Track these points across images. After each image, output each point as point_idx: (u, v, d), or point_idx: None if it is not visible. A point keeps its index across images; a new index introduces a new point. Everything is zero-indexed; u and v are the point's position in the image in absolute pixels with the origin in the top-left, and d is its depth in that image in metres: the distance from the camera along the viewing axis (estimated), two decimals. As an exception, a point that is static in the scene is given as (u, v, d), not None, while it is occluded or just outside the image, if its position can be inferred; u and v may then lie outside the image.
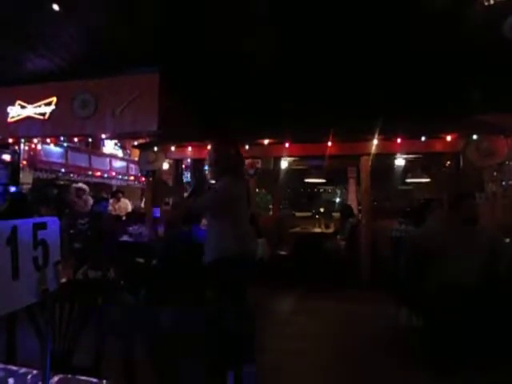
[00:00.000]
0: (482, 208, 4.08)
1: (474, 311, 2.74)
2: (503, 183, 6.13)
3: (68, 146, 9.74)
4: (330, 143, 5.91)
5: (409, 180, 7.69)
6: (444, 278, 2.99)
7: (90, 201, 7.91)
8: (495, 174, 5.88)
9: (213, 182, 2.98)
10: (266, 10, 5.19)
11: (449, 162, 6.91)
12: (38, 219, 0.91)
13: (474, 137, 5.52)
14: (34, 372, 1.26)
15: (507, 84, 5.67)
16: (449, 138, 5.69)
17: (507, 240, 4.06)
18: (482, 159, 5.49)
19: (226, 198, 2.72)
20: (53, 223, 0.96)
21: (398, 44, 5.60)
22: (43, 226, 0.90)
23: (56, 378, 1.21)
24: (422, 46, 5.60)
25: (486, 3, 4.03)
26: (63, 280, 1.48)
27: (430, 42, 5.50)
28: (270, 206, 8.96)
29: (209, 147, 3.18)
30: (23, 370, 1.28)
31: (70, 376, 1.27)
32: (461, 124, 5.67)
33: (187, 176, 9.22)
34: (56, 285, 0.95)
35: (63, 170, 9.89)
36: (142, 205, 9.62)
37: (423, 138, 5.81)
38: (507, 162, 6.45)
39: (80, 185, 8.33)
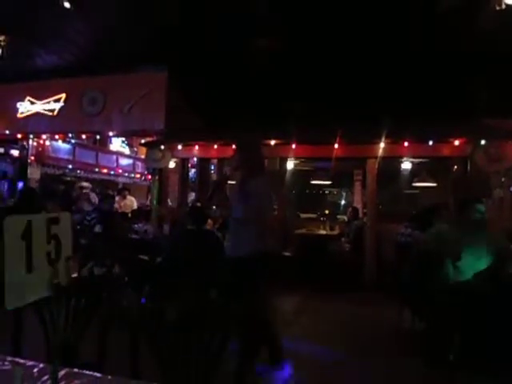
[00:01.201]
0: (489, 213, 4.05)
1: (479, 315, 2.72)
2: (511, 189, 6.08)
3: (76, 143, 9.82)
4: (336, 145, 5.90)
5: (415, 184, 7.64)
6: (449, 283, 2.98)
7: (95, 198, 7.96)
8: (503, 179, 5.84)
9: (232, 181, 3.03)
10: (274, 10, 5.19)
11: (456, 167, 6.86)
12: (51, 214, 0.92)
13: (482, 142, 5.48)
14: (41, 365, 1.27)
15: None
16: (456, 142, 5.65)
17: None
18: (490, 164, 5.45)
19: (269, 199, 2.83)
20: (65, 219, 0.97)
21: (408, 47, 5.58)
22: (56, 221, 0.91)
23: (62, 372, 1.22)
24: (432, 49, 5.57)
25: (498, 7, 4.01)
26: (74, 275, 1.50)
27: (439, 45, 5.49)
28: (275, 207, 8.94)
29: (234, 147, 3.16)
30: (30, 363, 1.30)
31: (75, 370, 1.28)
32: (469, 128, 5.63)
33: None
34: (67, 279, 0.96)
35: (70, 166, 9.97)
36: (148, 202, 9.66)
37: (430, 142, 5.78)
38: (515, 168, 6.40)
39: (83, 183, 8.39)
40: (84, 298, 1.79)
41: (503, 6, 3.94)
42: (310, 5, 5.01)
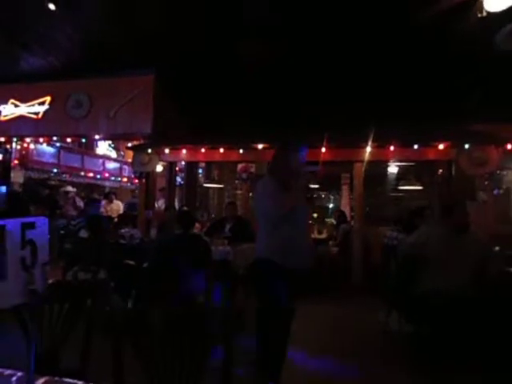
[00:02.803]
0: (473, 216, 4.11)
1: (463, 318, 2.76)
2: (494, 192, 6.21)
3: (61, 146, 9.68)
4: (323, 149, 5.94)
5: (401, 187, 7.74)
6: (434, 285, 3.01)
7: (80, 202, 7.86)
8: (486, 182, 5.96)
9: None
10: (262, 14, 5.21)
11: (441, 170, 6.98)
12: (26, 219, 0.90)
13: (466, 146, 5.59)
14: (19, 374, 1.24)
15: (499, 94, 5.77)
16: (441, 146, 5.75)
17: (497, 248, 4.11)
18: (474, 168, 5.55)
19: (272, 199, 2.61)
20: (41, 223, 0.95)
21: (393, 52, 5.66)
22: (32, 225, 0.89)
23: (41, 380, 1.19)
24: (417, 55, 5.67)
25: (480, 15, 4.10)
26: (50, 281, 1.46)
27: (424, 52, 5.58)
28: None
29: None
30: (8, 371, 1.26)
31: (56, 378, 1.25)
32: (453, 133, 5.73)
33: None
34: (43, 286, 0.94)
35: (55, 170, 9.82)
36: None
37: (416, 146, 5.86)
38: (498, 172, 6.55)
39: (68, 187, 8.27)
40: (67, 304, 1.75)
41: (484, 14, 4.03)
42: (295, 12, 5.05)
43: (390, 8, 4.78)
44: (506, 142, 5.52)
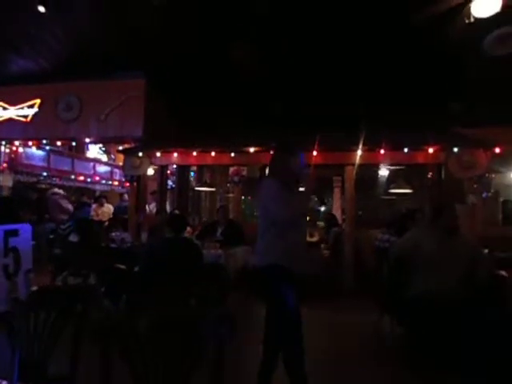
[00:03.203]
0: (462, 219, 4.16)
1: (452, 320, 2.78)
2: (483, 195, 6.29)
3: (50, 150, 9.57)
4: (315, 152, 5.96)
5: (392, 190, 7.81)
6: (424, 288, 3.03)
7: (67, 204, 7.77)
8: (475, 185, 6.03)
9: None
10: (254, 17, 5.23)
11: (431, 174, 7.05)
12: (9, 226, 0.88)
13: (455, 149, 5.65)
14: (4, 383, 1.21)
15: (488, 99, 5.86)
16: (431, 150, 5.81)
17: (486, 251, 4.15)
18: (463, 171, 5.62)
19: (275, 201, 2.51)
20: (25, 230, 0.93)
21: (383, 57, 5.72)
22: (15, 233, 0.88)
23: (27, 389, 1.16)
24: (406, 60, 5.73)
25: (467, 21, 4.17)
26: (35, 288, 1.44)
27: (413, 57, 5.65)
28: (256, 214, 8.95)
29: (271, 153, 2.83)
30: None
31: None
32: (442, 137, 5.80)
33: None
34: (26, 293, 0.92)
35: (45, 173, 9.69)
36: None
37: (406, 150, 5.91)
38: (487, 175, 6.64)
39: (55, 189, 8.17)
40: (56, 310, 1.72)
41: (472, 20, 4.09)
42: (287, 14, 5.08)
43: (380, 14, 4.84)
44: (494, 146, 5.60)
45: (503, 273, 3.56)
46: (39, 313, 1.65)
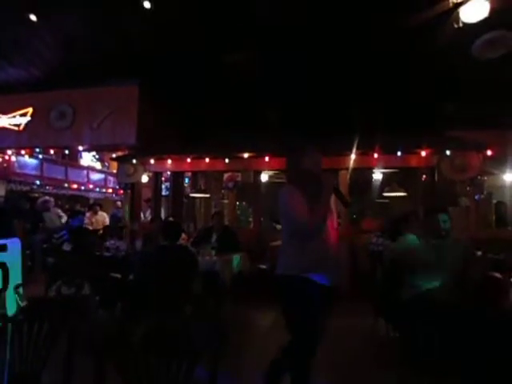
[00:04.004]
0: (456, 221, 4.18)
1: (446, 322, 2.78)
2: (476, 197, 6.33)
3: (43, 158, 9.52)
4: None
5: (386, 194, 7.84)
6: (417, 291, 3.04)
7: (60, 213, 7.72)
8: (468, 188, 6.07)
9: None
10: (247, 25, 5.26)
11: (424, 177, 7.09)
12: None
13: (448, 152, 5.70)
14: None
15: (479, 102, 5.93)
16: (423, 153, 5.85)
17: (479, 253, 4.18)
18: (456, 174, 5.66)
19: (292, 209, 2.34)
20: (13, 245, 0.92)
21: (376, 62, 5.77)
22: (3, 248, 0.87)
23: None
24: (399, 65, 5.79)
25: (456, 26, 4.24)
26: (24, 303, 1.42)
27: (406, 61, 5.70)
28: (251, 219, 8.94)
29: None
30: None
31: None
32: (435, 140, 5.85)
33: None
34: (16, 308, 0.91)
35: (38, 182, 9.64)
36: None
37: (399, 153, 5.96)
38: (479, 177, 6.69)
39: (45, 197, 8.12)
40: (48, 321, 1.70)
41: (460, 25, 4.16)
42: (279, 22, 5.11)
43: (371, 18, 4.88)
44: (486, 148, 5.66)
45: (497, 274, 3.58)
46: (32, 325, 1.63)
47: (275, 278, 2.36)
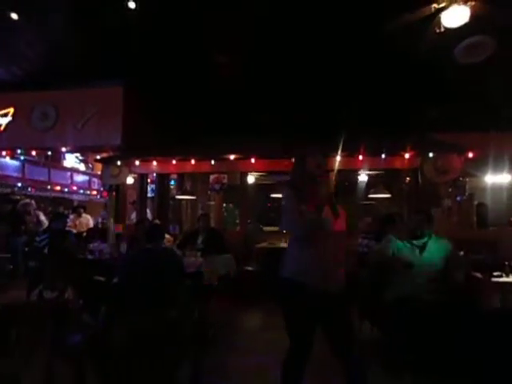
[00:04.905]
0: (438, 222, 4.26)
1: (429, 322, 2.83)
2: (458, 198, 6.46)
3: (25, 159, 9.32)
4: (294, 159, 6.00)
5: (372, 195, 7.93)
6: (401, 292, 3.08)
7: (41, 216, 7.58)
8: (450, 189, 6.19)
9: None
10: (232, 25, 5.26)
11: (408, 179, 7.20)
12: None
13: (431, 155, 5.80)
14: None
15: (461, 105, 6.06)
16: (407, 155, 5.95)
17: (461, 253, 4.26)
18: (438, 176, 5.76)
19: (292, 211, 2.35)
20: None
21: (360, 64, 5.84)
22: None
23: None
24: (383, 68, 5.87)
25: (438, 31, 4.33)
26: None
27: (389, 64, 5.79)
28: (237, 221, 8.93)
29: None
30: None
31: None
32: (418, 142, 5.95)
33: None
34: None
35: (19, 184, 9.43)
36: (100, 219, 9.34)
37: (383, 156, 6.03)
38: (461, 179, 6.84)
39: (27, 200, 7.96)
40: (29, 325, 1.67)
41: (442, 29, 4.24)
42: (263, 23, 5.13)
43: (355, 20, 4.94)
44: (468, 150, 5.78)
45: (478, 274, 3.66)
46: (10, 331, 1.60)
47: (277, 279, 2.35)
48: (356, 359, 2.28)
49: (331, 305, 2.24)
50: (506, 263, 3.83)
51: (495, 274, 3.70)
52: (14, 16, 5.06)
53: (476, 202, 7.37)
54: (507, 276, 3.67)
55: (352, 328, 2.35)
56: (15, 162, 9.24)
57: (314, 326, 2.28)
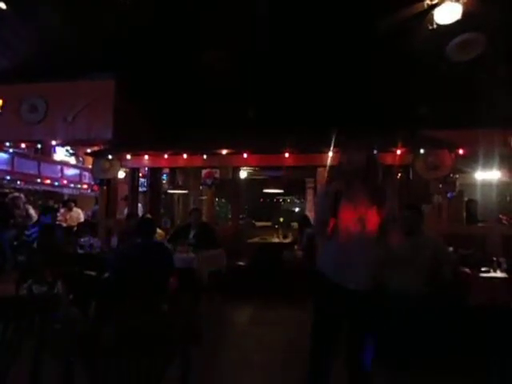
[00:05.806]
0: (429, 218, 4.30)
1: (418, 318, 2.86)
2: (448, 195, 6.52)
3: (14, 152, 9.18)
4: (287, 154, 6.00)
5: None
6: (390, 287, 3.10)
7: (31, 209, 7.49)
8: (441, 186, 6.24)
9: None
10: (225, 21, 5.23)
11: (400, 175, 7.25)
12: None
13: (422, 151, 5.84)
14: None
15: (452, 102, 6.10)
16: (399, 151, 5.97)
17: (451, 248, 4.31)
18: (429, 172, 5.80)
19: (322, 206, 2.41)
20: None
21: (352, 61, 5.84)
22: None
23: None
24: (375, 65, 5.88)
25: (430, 27, 4.34)
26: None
27: (381, 61, 5.80)
28: (229, 216, 8.92)
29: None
30: None
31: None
32: (410, 139, 5.98)
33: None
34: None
35: (8, 177, 9.29)
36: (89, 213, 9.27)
37: (375, 152, 6.04)
38: (451, 175, 6.89)
39: (16, 193, 7.86)
40: (16, 321, 1.64)
41: (434, 26, 4.26)
42: (254, 20, 5.10)
43: (348, 17, 4.94)
44: (458, 147, 5.83)
45: (467, 270, 3.71)
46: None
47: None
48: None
49: (353, 305, 2.18)
50: (495, 259, 3.89)
51: (483, 269, 3.76)
52: (2, 5, 4.96)
53: (466, 199, 7.46)
54: (495, 271, 3.73)
55: (360, 346, 2.23)
56: (4, 155, 9.09)
57: (335, 321, 2.27)
